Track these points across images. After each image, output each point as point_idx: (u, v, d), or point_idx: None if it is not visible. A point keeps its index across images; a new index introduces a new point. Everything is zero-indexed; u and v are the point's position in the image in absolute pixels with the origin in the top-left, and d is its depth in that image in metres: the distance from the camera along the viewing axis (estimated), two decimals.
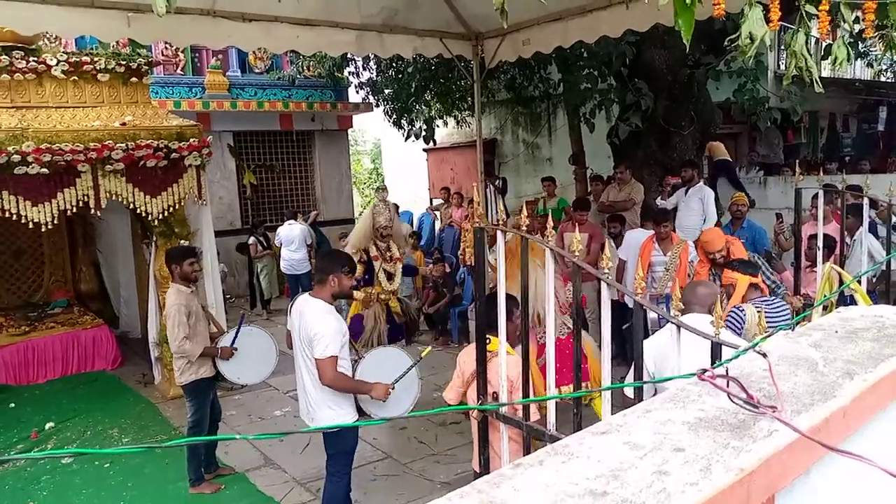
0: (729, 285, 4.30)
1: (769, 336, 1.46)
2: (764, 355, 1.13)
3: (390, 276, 5.89)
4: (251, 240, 10.28)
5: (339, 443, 4.01)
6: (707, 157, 10.93)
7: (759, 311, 3.22)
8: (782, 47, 9.35)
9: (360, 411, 4.08)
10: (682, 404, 1.14)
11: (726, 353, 2.13)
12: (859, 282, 3.53)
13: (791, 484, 1.04)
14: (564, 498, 0.84)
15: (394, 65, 11.02)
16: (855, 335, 1.54)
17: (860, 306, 1.90)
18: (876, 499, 1.23)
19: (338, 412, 3.89)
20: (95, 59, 6.78)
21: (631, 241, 6.64)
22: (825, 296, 2.43)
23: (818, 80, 3.33)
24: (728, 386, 1.07)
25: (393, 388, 3.97)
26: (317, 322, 3.72)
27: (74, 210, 6.21)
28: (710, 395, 1.16)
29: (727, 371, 1.10)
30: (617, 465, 0.93)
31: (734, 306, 4.06)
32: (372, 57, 10.78)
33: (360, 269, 5.76)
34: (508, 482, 0.90)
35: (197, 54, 11.27)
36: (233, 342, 4.86)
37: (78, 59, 6.70)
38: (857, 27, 5.95)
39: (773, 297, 4.39)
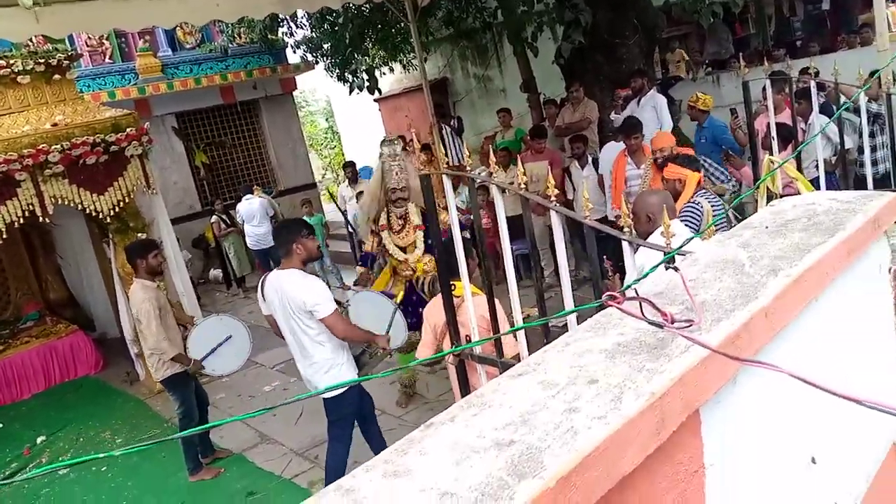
0: (676, 180, 4.27)
1: (687, 242, 1.42)
2: (676, 269, 1.09)
3: (404, 249, 5.14)
4: (213, 219, 10.08)
5: (340, 408, 4.03)
6: (663, 73, 10.82)
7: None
8: None
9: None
10: (603, 331, 1.11)
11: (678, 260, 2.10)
12: (800, 168, 3.51)
13: (716, 395, 1.01)
14: (469, 454, 0.81)
15: (327, 18, 10.65)
16: (785, 228, 1.51)
17: (795, 196, 1.87)
18: (808, 394, 1.22)
19: (336, 374, 3.89)
20: (11, 61, 6.47)
21: (606, 157, 6.58)
22: (768, 188, 2.40)
23: None
24: (641, 306, 1.04)
25: (389, 338, 4.06)
26: (303, 288, 3.70)
27: (21, 221, 6.02)
28: (632, 318, 1.13)
29: (637, 291, 1.07)
30: (528, 409, 0.89)
31: (689, 201, 4.05)
32: (303, 13, 10.42)
33: (372, 241, 5.28)
34: (416, 447, 0.86)
35: (123, 39, 10.81)
36: (204, 357, 4.73)
37: None
38: None
39: (712, 195, 4.39)
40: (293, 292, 3.71)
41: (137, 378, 7.07)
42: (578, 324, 1.22)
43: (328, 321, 3.71)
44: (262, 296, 3.96)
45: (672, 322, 1.00)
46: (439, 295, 3.77)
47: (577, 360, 1.02)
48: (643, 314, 1.01)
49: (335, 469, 4.05)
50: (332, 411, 4.03)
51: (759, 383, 1.12)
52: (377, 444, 4.19)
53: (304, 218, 9.31)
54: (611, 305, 1.03)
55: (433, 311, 3.67)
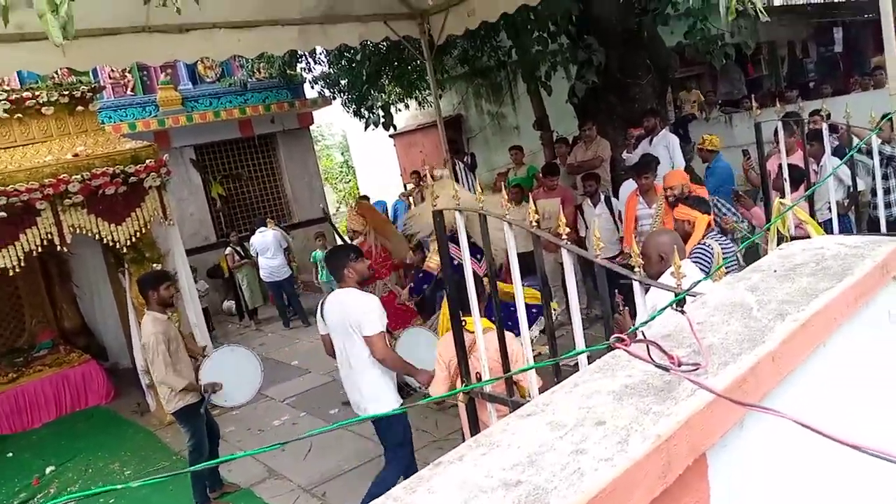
0: (685, 221, 4.30)
1: (696, 284, 1.44)
2: (683, 313, 1.11)
3: None
4: (228, 250, 10.18)
5: (392, 435, 4.08)
6: (676, 113, 10.93)
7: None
8: None
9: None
10: (611, 372, 1.13)
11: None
12: (812, 210, 3.52)
13: (722, 439, 1.02)
14: (478, 493, 0.83)
15: (345, 55, 10.88)
16: (793, 272, 1.53)
17: (804, 240, 1.88)
18: (816, 440, 1.22)
19: (384, 403, 3.95)
20: (37, 93, 6.65)
21: (623, 195, 6.64)
22: (778, 230, 2.42)
23: (762, 10, 3.28)
24: (648, 349, 1.05)
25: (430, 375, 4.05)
26: (360, 304, 3.89)
27: (40, 249, 6.11)
28: (640, 360, 1.14)
29: (644, 334, 1.08)
30: (535, 450, 0.91)
31: (700, 243, 4.07)
32: (321, 50, 10.65)
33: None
34: (425, 484, 0.88)
35: (145, 73, 11.07)
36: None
37: (19, 96, 6.57)
38: None
39: (722, 236, 4.40)
40: (352, 306, 3.91)
41: (148, 409, 7.07)
42: (589, 363, 1.24)
43: (371, 339, 3.84)
44: (322, 315, 4.13)
45: (679, 365, 1.01)
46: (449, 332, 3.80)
47: (585, 402, 1.03)
48: (650, 357, 1.03)
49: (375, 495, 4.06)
50: (387, 439, 4.11)
51: (767, 427, 1.12)
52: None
53: (317, 251, 9.43)
54: (618, 347, 1.05)
55: (446, 347, 3.68)
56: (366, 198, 9.98)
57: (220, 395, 4.82)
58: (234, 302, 10.80)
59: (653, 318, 1.23)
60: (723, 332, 1.22)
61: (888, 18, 4.05)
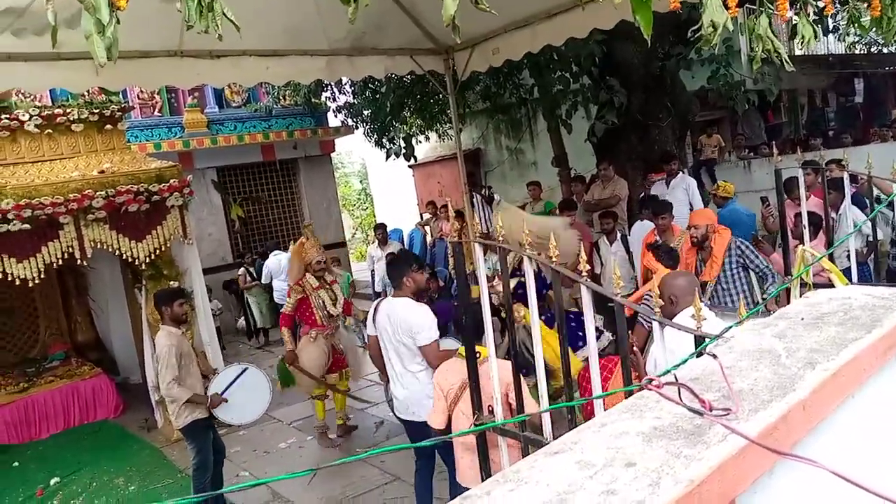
0: (648, 269, 4.40)
1: (727, 330, 1.43)
2: (714, 357, 1.11)
3: None
4: (241, 271, 10.26)
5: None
6: (694, 156, 10.98)
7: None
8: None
9: None
10: (640, 413, 1.12)
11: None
12: (831, 257, 3.51)
13: (753, 486, 1.02)
14: None
15: (370, 86, 11.05)
16: (821, 321, 1.52)
17: (830, 289, 1.88)
18: (847, 490, 1.21)
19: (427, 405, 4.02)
20: (68, 110, 6.81)
21: (636, 234, 6.66)
22: (802, 278, 2.42)
23: (787, 59, 3.33)
24: (679, 392, 1.05)
25: None
26: (413, 314, 4.03)
27: (60, 262, 6.19)
28: (668, 402, 1.14)
29: (676, 378, 1.08)
30: (565, 489, 0.91)
31: (647, 291, 4.16)
32: (346, 80, 10.81)
33: None
34: None
35: (173, 95, 11.30)
36: (224, 391, 4.83)
37: (51, 112, 6.73)
38: (819, 3, 5.98)
39: None
40: (403, 315, 4.06)
41: (155, 425, 7.07)
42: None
43: (426, 349, 3.98)
44: (373, 320, 4.33)
45: (710, 409, 1.01)
46: (451, 359, 3.82)
47: (613, 442, 1.03)
48: (682, 400, 1.03)
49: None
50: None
51: (796, 477, 1.11)
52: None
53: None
54: (650, 389, 1.05)
55: (444, 376, 3.70)
56: (382, 226, 10.04)
57: (228, 412, 4.83)
58: (244, 320, 10.87)
59: (684, 363, 1.23)
60: (752, 379, 1.22)
61: None
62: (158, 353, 4.74)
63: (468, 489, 0.95)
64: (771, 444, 0.97)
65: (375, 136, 11.83)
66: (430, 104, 11.32)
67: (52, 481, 6.01)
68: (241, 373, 5.00)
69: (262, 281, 10.04)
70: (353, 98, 11.94)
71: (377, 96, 11.15)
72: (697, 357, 1.46)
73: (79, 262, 6.27)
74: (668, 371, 1.12)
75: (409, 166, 15.11)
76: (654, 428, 1.06)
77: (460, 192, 9.65)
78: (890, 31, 2.89)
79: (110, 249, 6.37)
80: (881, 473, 1.36)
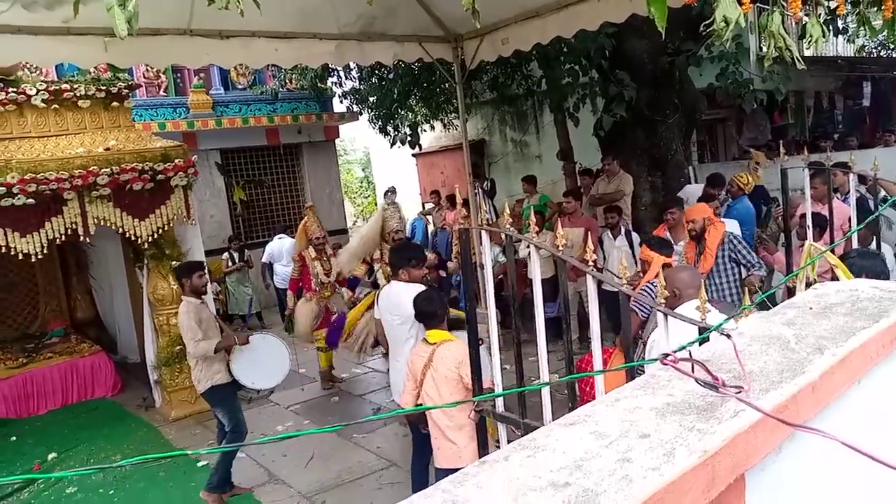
0: (644, 261, 4.49)
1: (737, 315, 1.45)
2: (728, 336, 1.13)
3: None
4: (224, 255, 10.24)
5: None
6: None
7: None
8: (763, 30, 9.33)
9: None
10: (652, 390, 1.14)
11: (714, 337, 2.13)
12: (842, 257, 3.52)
13: (762, 461, 1.03)
14: (526, 492, 0.84)
15: (376, 72, 11.02)
16: (829, 310, 1.54)
17: (837, 282, 1.90)
18: (849, 472, 1.23)
19: None
20: (75, 86, 6.78)
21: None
22: (808, 272, 2.43)
23: (799, 58, 3.34)
24: (693, 369, 1.07)
25: None
26: (403, 297, 4.21)
27: (63, 238, 6.19)
28: (680, 380, 1.16)
29: (690, 354, 1.10)
30: (581, 456, 0.92)
31: (648, 281, 4.24)
32: (353, 66, 10.79)
33: (363, 268, 6.81)
34: (473, 479, 0.89)
35: (179, 74, 11.27)
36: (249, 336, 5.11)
37: (58, 88, 6.70)
38: (831, 4, 5.97)
39: None
40: (395, 300, 4.35)
41: (153, 404, 7.10)
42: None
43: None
44: (378, 304, 4.66)
45: (724, 386, 1.03)
46: (420, 343, 3.89)
47: (627, 416, 1.05)
48: (696, 377, 1.05)
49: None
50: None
51: (802, 454, 1.13)
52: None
53: None
54: (668, 364, 1.07)
55: (413, 360, 3.89)
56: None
57: (248, 375, 4.97)
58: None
59: (698, 340, 1.24)
60: (762, 362, 1.24)
61: None
62: (179, 322, 4.93)
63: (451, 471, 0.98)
64: (784, 419, 0.98)
65: (380, 122, 11.81)
66: (436, 93, 11.30)
67: (50, 456, 6.04)
68: (261, 341, 5.20)
69: (263, 260, 10.05)
70: (360, 84, 11.91)
71: (383, 83, 11.13)
72: (705, 342, 1.48)
73: (81, 238, 6.27)
74: (682, 348, 1.14)
75: (413, 155, 15.10)
76: (667, 404, 1.08)
77: (464, 182, 9.67)
78: None
79: (113, 227, 6.37)
80: (888, 457, 1.38)
